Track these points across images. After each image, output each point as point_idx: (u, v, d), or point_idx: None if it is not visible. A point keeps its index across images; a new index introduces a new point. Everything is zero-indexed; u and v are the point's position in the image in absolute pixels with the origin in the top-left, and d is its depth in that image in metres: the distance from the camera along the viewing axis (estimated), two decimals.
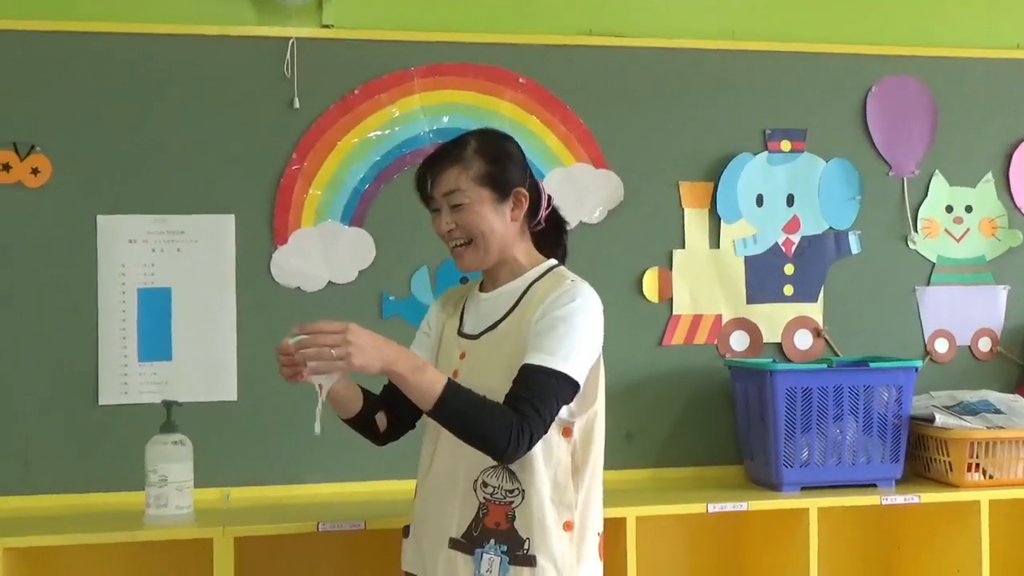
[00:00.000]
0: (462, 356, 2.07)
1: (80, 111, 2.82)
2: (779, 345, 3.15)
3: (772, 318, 3.14)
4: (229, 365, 2.85)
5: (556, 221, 2.17)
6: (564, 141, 3.04)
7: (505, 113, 3.00)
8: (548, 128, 3.03)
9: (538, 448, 1.94)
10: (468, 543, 1.97)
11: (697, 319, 3.11)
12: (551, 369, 1.91)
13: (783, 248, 3.16)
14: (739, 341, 3.13)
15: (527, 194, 2.06)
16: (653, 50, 3.10)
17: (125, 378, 2.81)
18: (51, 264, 2.79)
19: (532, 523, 1.95)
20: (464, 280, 2.68)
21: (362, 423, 2.15)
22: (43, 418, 2.77)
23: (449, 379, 1.91)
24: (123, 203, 2.82)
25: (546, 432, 1.92)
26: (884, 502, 2.79)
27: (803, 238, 3.17)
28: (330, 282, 2.90)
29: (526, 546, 1.95)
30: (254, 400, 2.85)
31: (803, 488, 2.83)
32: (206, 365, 2.84)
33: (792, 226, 3.17)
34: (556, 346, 1.92)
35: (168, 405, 2.55)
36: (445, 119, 2.97)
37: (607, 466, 2.94)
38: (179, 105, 2.86)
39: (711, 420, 3.10)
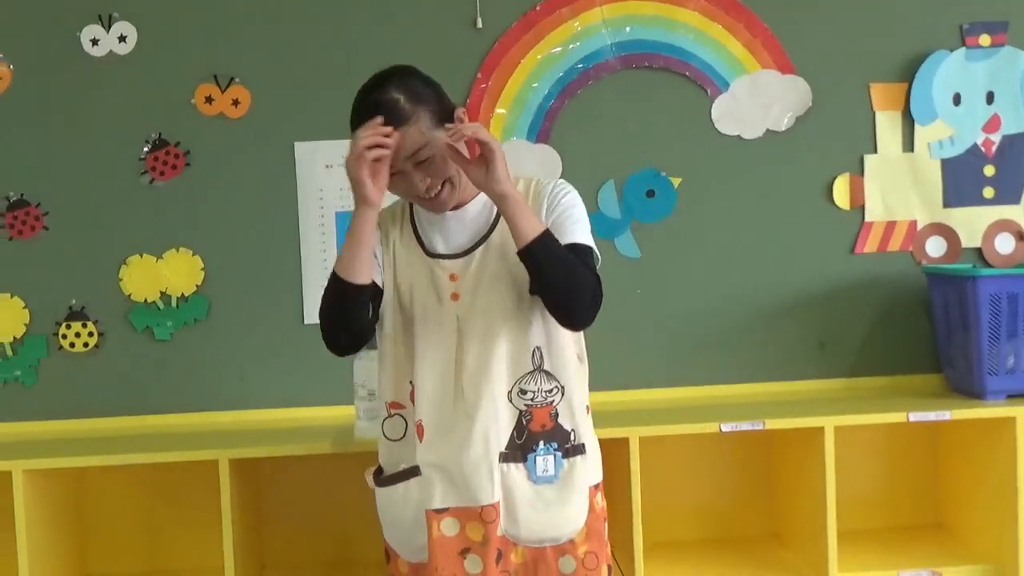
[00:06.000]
0: (452, 278, 2.01)
1: (274, 41, 2.91)
2: (979, 250, 3.03)
3: (971, 222, 3.03)
4: None
5: None
6: (748, 47, 2.97)
7: (688, 21, 2.94)
8: (731, 34, 2.96)
9: (570, 340, 2.02)
10: (519, 451, 2.00)
11: (891, 225, 3.02)
12: (592, 248, 2.00)
13: (983, 149, 3.02)
14: (936, 247, 3.03)
15: (466, 109, 2.23)
16: None
17: None
18: (255, 190, 2.92)
19: (574, 414, 2.03)
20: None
21: (364, 301, 1.99)
22: (255, 337, 2.93)
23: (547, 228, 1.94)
24: (318, 129, 2.91)
25: None
26: None
27: (1004, 137, 3.03)
28: None
29: (573, 437, 2.03)
30: None
31: (1009, 396, 2.74)
32: None
33: (992, 125, 3.02)
34: (585, 230, 2.01)
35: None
36: (627, 30, 2.94)
37: (799, 375, 2.97)
38: (366, 29, 2.92)
39: (907, 328, 3.03)
